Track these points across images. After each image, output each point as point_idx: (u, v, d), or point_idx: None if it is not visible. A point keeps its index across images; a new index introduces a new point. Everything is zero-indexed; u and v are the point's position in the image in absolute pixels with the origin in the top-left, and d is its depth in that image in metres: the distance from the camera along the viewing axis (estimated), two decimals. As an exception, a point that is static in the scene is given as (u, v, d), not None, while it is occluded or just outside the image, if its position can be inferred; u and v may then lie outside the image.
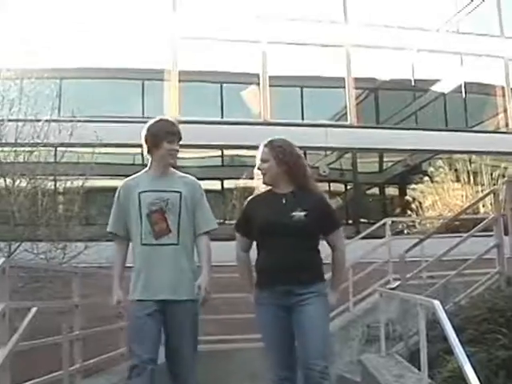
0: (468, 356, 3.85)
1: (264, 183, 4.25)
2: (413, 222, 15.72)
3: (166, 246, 4.25)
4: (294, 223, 4.03)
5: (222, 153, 16.89)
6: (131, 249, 4.36)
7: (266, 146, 4.26)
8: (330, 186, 17.42)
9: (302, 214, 4.03)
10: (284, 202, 4.13)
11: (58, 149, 11.47)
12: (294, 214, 4.03)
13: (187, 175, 4.56)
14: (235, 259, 4.41)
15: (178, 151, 4.43)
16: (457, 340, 3.92)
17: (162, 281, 4.20)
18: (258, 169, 4.25)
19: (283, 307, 4.03)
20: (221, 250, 14.08)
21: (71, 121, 11.03)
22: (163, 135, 4.35)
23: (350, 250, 8.83)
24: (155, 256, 4.23)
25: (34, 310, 4.90)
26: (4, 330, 4.58)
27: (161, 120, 4.47)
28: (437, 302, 4.66)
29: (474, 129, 18.59)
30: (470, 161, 17.50)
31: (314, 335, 3.94)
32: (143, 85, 16.67)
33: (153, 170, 4.44)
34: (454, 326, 4.31)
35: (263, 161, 4.23)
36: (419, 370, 5.58)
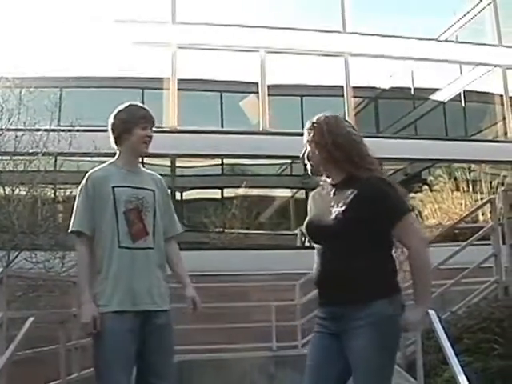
0: (463, 366, 3.86)
1: (312, 174, 3.41)
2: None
3: (143, 249, 3.75)
4: (332, 222, 3.13)
5: (222, 162, 16.88)
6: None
7: (307, 127, 3.43)
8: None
9: (341, 209, 3.12)
10: (332, 195, 3.27)
11: (58, 158, 11.51)
12: (334, 209, 3.15)
13: (152, 172, 4.13)
14: None
15: (151, 138, 3.97)
16: (451, 350, 3.93)
17: (141, 289, 3.69)
18: (302, 157, 3.41)
19: (331, 334, 3.16)
20: (219, 259, 14.16)
21: (70, 130, 11.04)
22: (136, 120, 3.89)
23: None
24: (134, 261, 3.71)
25: (30, 320, 4.90)
26: (1, 340, 4.59)
27: (130, 105, 4.01)
28: (432, 312, 4.63)
29: (473, 138, 18.60)
30: (469, 169, 17.50)
31: (361, 378, 3.04)
32: (143, 93, 16.66)
33: (122, 161, 3.94)
34: (450, 336, 4.32)
35: (305, 146, 3.40)
36: (416, 379, 5.60)
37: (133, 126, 3.88)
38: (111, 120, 3.96)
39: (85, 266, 3.72)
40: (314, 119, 3.41)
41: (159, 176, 4.11)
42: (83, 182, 3.87)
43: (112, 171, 3.89)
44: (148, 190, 3.89)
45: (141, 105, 4.06)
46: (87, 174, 3.89)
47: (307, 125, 3.42)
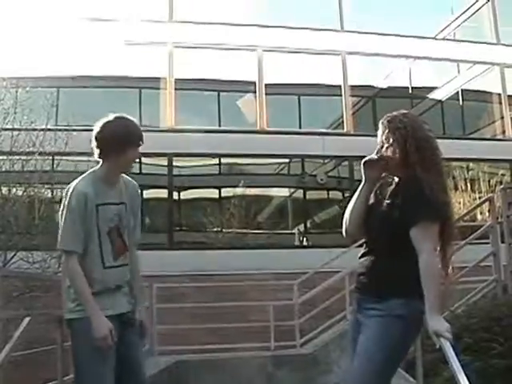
0: (463, 365, 3.82)
1: (385, 171, 3.44)
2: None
3: (122, 266, 3.75)
4: (375, 218, 3.31)
5: (220, 161, 16.84)
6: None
7: (382, 123, 3.46)
8: (328, 193, 17.42)
9: (386, 203, 3.27)
10: (389, 190, 3.38)
11: (55, 157, 11.49)
12: (382, 205, 3.28)
13: (129, 179, 3.93)
14: None
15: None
16: (451, 349, 3.89)
17: (120, 296, 3.74)
18: (377, 154, 3.44)
19: (359, 315, 3.37)
20: (217, 259, 14.12)
21: (67, 130, 11.02)
22: (132, 139, 3.69)
23: (349, 258, 8.87)
24: (116, 278, 3.72)
25: (27, 319, 4.87)
26: (-4, 340, 4.55)
27: (123, 118, 3.74)
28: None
29: (471, 136, 18.56)
30: (467, 168, 17.48)
31: (356, 363, 3.21)
32: (140, 93, 16.63)
33: (105, 175, 3.72)
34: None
35: (382, 144, 3.44)
36: (415, 379, 5.56)
37: (128, 145, 3.67)
38: (101, 131, 3.69)
39: (83, 279, 3.56)
40: (396, 120, 3.38)
41: (135, 183, 3.96)
42: (73, 197, 3.63)
43: (96, 186, 3.69)
44: (122, 203, 3.78)
45: (132, 118, 3.79)
46: (76, 190, 3.66)
47: (386, 123, 3.42)
